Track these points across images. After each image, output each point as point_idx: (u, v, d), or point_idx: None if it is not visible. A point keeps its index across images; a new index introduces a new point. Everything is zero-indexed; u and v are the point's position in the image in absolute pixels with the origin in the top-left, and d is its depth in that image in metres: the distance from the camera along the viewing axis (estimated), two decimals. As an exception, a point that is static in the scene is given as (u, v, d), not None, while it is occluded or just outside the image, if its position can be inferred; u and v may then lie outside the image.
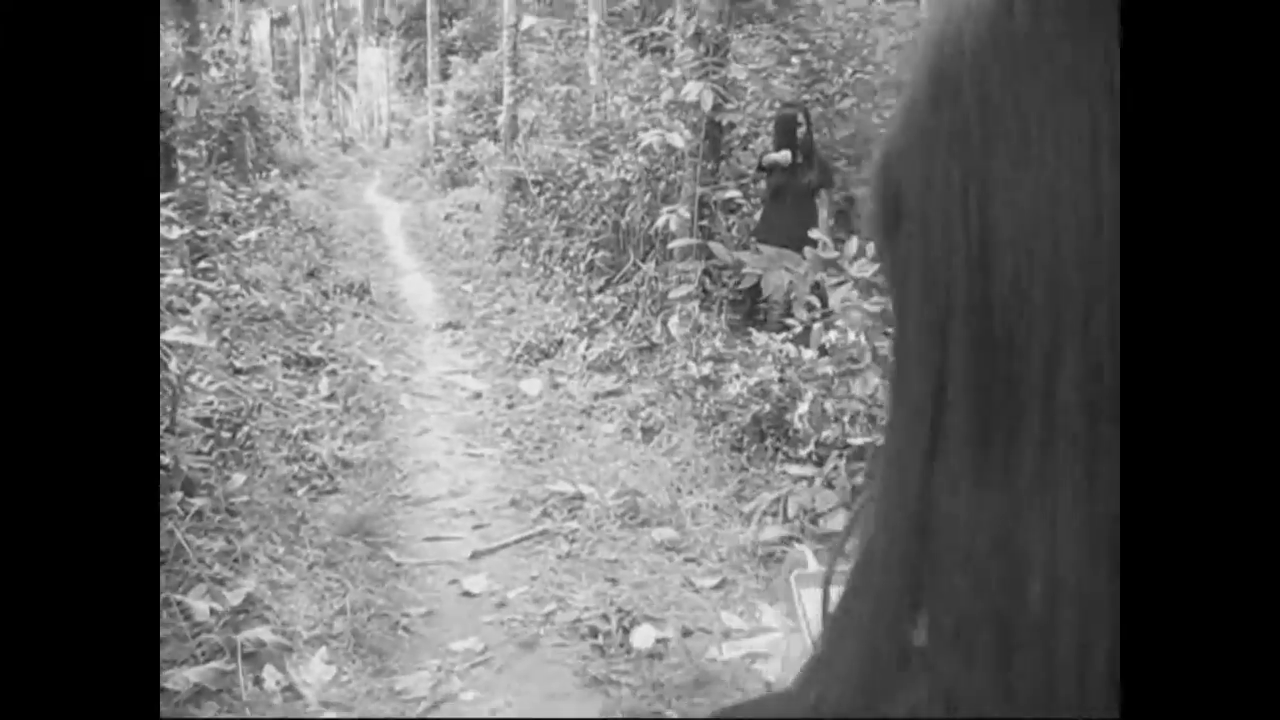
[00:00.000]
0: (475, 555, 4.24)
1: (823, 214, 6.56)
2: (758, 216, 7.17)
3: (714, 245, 6.64)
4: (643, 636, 3.54)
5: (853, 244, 4.54)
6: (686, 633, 3.58)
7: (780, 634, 3.54)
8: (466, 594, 3.92)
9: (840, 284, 4.56)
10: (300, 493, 4.65)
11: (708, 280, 6.90)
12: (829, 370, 4.83)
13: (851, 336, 4.79)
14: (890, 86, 7.62)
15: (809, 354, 4.99)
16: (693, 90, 6.46)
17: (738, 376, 5.18)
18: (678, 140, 6.61)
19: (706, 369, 5.47)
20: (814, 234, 5.03)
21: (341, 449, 5.26)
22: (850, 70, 7.49)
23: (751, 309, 6.81)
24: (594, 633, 3.58)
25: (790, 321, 5.08)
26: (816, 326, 4.76)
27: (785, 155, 6.56)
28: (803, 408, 4.54)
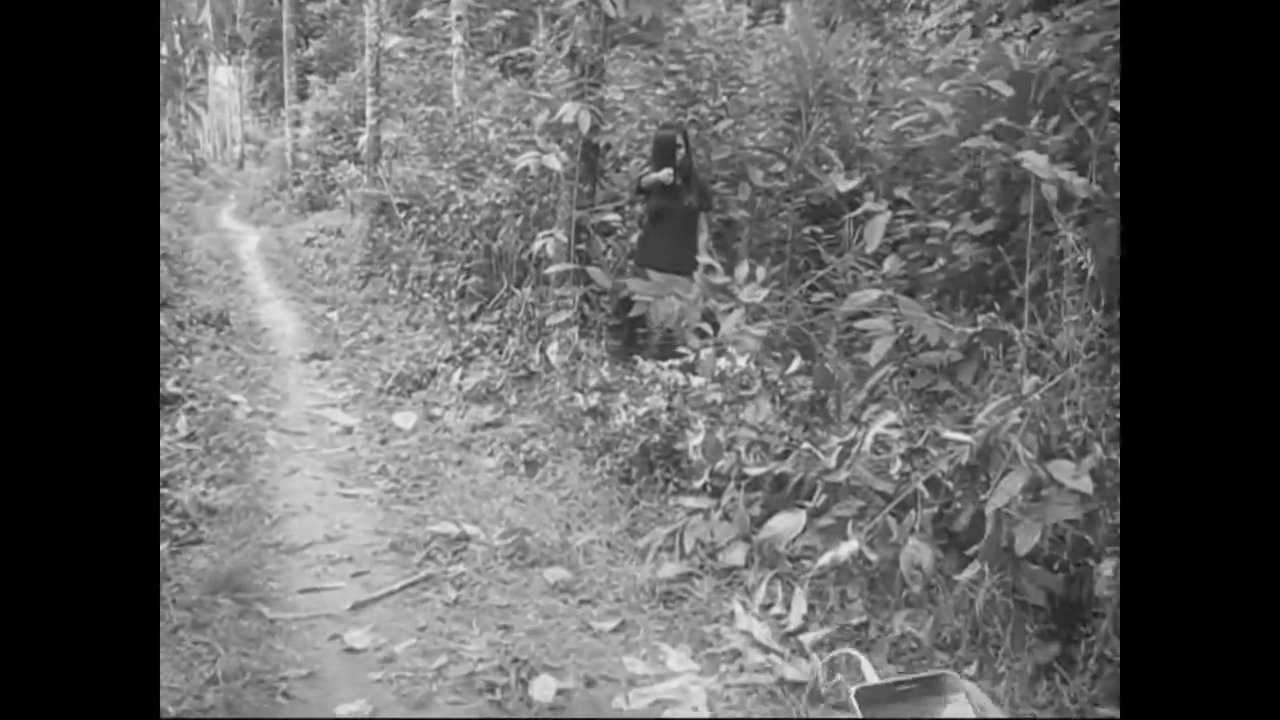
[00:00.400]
0: (356, 606, 3.97)
1: (703, 237, 6.48)
2: (635, 239, 7.05)
3: (592, 270, 6.49)
4: (543, 688, 3.33)
5: (743, 268, 4.45)
6: (589, 682, 3.39)
7: (687, 678, 3.39)
8: (349, 650, 3.64)
9: (731, 310, 4.45)
10: (161, 546, 4.30)
11: (586, 306, 6.74)
12: (718, 398, 4.72)
13: (741, 363, 4.70)
14: (762, 109, 7.62)
15: (697, 381, 4.87)
16: (570, 111, 6.31)
17: (626, 406, 5.02)
18: (554, 163, 6.44)
19: (594, 399, 5.29)
20: (701, 258, 4.93)
21: (204, 494, 4.90)
22: (725, 92, 7.45)
23: (631, 335, 6.68)
24: (491, 687, 3.35)
25: (681, 349, 4.95)
26: (707, 353, 4.64)
27: (667, 174, 6.44)
28: (697, 438, 4.40)
